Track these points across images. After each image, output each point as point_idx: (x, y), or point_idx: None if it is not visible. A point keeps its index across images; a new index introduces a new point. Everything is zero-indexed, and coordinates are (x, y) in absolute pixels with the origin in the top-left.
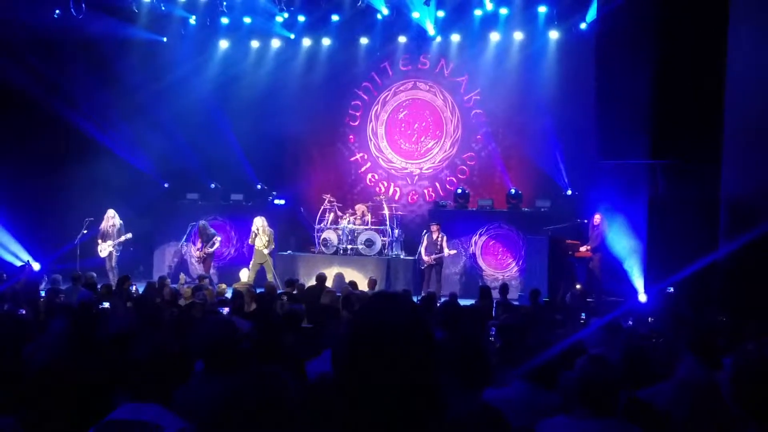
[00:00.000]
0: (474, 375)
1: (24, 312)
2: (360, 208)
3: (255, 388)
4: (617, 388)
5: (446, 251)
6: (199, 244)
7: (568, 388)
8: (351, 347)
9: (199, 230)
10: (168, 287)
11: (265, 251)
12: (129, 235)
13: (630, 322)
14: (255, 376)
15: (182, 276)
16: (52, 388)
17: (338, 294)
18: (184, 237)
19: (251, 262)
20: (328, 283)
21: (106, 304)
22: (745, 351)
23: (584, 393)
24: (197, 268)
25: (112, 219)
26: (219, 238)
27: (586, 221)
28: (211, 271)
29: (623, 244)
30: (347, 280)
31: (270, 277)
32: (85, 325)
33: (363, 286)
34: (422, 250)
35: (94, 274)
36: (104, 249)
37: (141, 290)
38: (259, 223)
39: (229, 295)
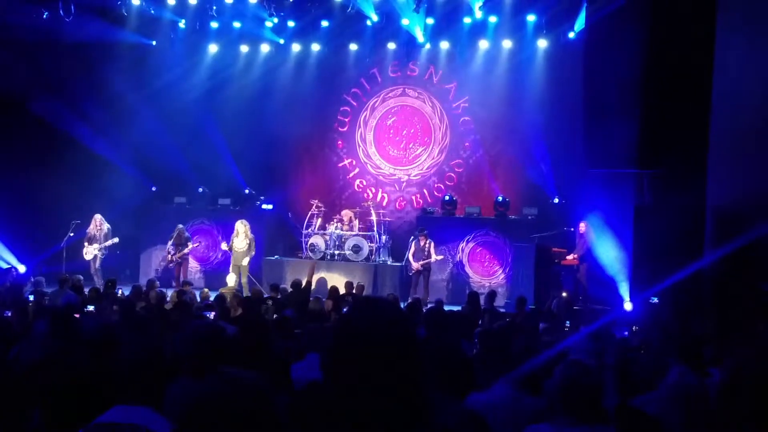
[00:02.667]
0: (457, 382)
1: (9, 314)
2: (347, 214)
3: (227, 392)
4: (598, 392)
5: (433, 257)
6: (170, 247)
7: (549, 394)
8: (337, 350)
9: (177, 234)
10: (155, 290)
11: (244, 261)
12: (116, 240)
13: (625, 333)
14: (227, 380)
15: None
16: (37, 390)
17: (323, 300)
18: (171, 241)
19: (231, 265)
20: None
21: (91, 308)
22: (742, 356)
23: (566, 399)
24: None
25: (100, 223)
26: (191, 247)
27: (572, 229)
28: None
29: (609, 252)
30: (330, 286)
31: (244, 281)
32: (64, 327)
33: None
34: (410, 256)
35: (81, 277)
36: (90, 252)
37: (127, 294)
38: (242, 227)
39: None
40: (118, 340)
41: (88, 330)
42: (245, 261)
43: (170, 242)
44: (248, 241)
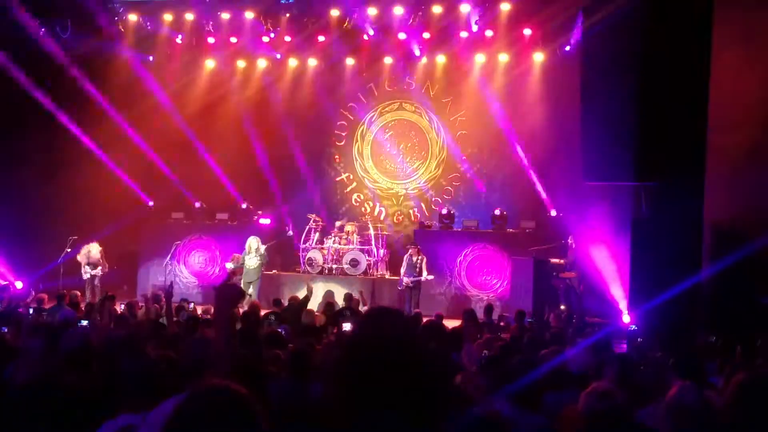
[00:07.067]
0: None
1: (6, 331)
2: (350, 226)
3: (202, 403)
4: (623, 420)
5: (424, 275)
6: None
7: (567, 419)
8: (351, 360)
9: (235, 259)
10: (157, 303)
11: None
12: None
13: (623, 346)
14: (203, 391)
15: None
16: (32, 407)
17: (317, 313)
18: (169, 256)
19: (242, 282)
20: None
21: (85, 322)
22: (745, 375)
23: (592, 428)
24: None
25: (95, 251)
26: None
27: (570, 242)
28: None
29: (606, 265)
30: (326, 301)
31: (254, 295)
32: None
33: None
34: (402, 271)
35: (79, 293)
36: (88, 273)
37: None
38: (254, 243)
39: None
40: (99, 354)
41: (67, 344)
42: (256, 277)
43: (168, 257)
44: (260, 259)
